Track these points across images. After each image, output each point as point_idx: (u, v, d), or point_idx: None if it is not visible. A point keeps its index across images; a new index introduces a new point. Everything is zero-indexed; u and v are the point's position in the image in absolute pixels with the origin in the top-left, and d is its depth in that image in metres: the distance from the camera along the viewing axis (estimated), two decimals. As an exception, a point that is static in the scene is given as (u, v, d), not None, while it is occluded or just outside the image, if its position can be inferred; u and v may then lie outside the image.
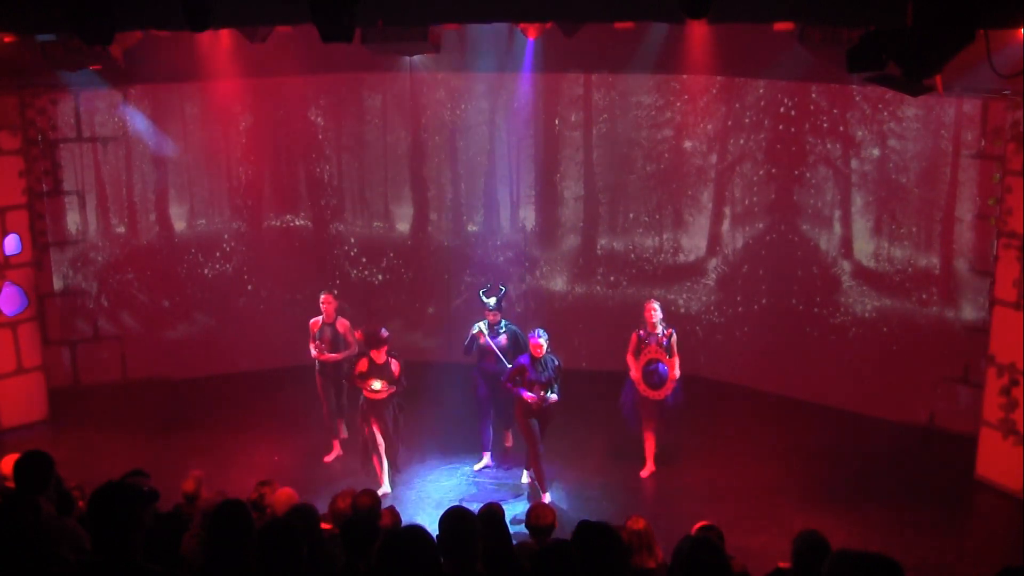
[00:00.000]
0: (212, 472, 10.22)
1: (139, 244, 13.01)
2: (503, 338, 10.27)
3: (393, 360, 9.79)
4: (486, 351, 10.27)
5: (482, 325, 10.29)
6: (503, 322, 10.37)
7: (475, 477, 10.44)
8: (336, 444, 10.89)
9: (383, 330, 9.80)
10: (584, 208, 13.34)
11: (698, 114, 12.68)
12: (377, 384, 9.70)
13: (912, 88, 7.17)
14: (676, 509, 9.60)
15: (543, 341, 9.59)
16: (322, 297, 10.60)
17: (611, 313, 13.36)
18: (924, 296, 11.55)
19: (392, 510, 6.91)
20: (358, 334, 10.11)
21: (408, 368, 10.19)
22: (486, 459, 10.58)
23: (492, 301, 10.21)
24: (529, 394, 9.60)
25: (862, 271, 12.00)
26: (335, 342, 10.54)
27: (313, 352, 10.56)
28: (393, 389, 9.79)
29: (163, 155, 12.84)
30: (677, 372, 10.18)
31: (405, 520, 6.91)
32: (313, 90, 13.22)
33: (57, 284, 12.59)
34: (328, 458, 10.78)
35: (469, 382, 10.69)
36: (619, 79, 12.82)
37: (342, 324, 10.58)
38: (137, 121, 12.66)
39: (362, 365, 9.77)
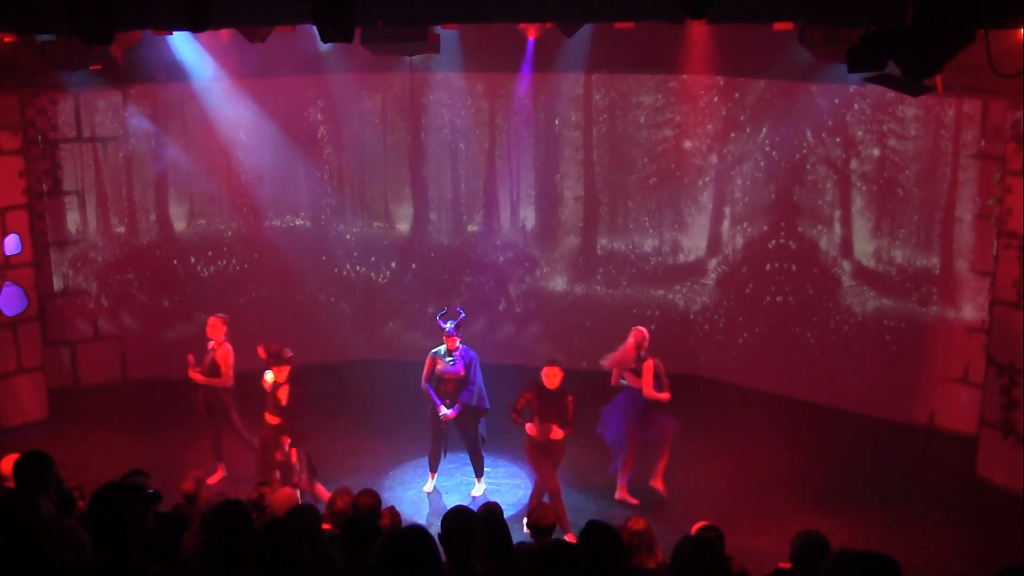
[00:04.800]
0: (212, 472, 10.27)
1: (139, 244, 13.01)
2: (459, 365, 9.76)
3: (287, 385, 9.35)
4: (443, 377, 9.82)
5: (439, 350, 9.90)
6: (461, 347, 9.85)
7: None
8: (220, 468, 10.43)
9: (287, 350, 9.40)
10: (584, 208, 13.34)
11: (698, 114, 12.68)
12: (269, 375, 9.32)
13: (912, 88, 7.16)
14: (676, 509, 9.60)
15: (558, 371, 9.19)
16: (209, 321, 10.17)
17: (611, 313, 13.36)
18: (924, 296, 11.55)
19: (392, 510, 6.91)
20: (260, 349, 9.52)
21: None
22: (432, 481, 10.22)
23: (450, 325, 9.80)
24: (530, 426, 9.20)
25: (862, 271, 12.00)
26: (211, 367, 10.09)
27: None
28: (277, 420, 9.36)
29: (165, 154, 12.85)
30: (658, 395, 9.69)
31: (405, 520, 6.91)
32: (313, 90, 13.22)
33: (57, 284, 12.58)
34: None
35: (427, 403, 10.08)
36: (619, 79, 12.82)
37: (222, 352, 10.08)
38: (138, 121, 12.67)
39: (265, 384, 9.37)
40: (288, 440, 9.37)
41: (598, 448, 11.06)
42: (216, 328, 10.12)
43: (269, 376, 9.37)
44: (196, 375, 10.14)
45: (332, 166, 13.63)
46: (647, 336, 9.83)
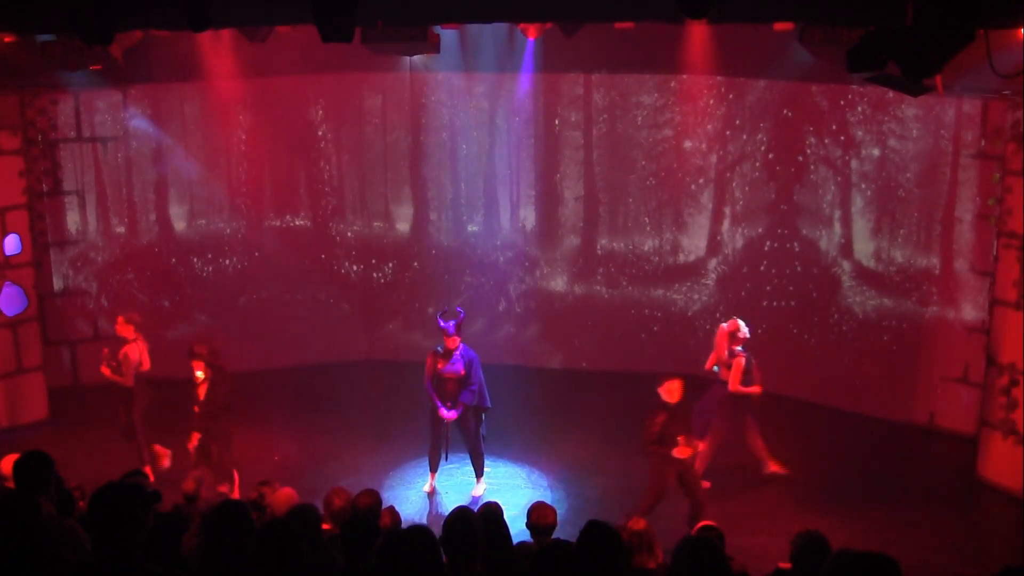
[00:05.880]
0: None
1: (139, 244, 13.01)
2: (459, 365, 9.74)
3: (206, 384, 9.65)
4: (443, 377, 9.80)
5: (439, 350, 9.89)
6: (461, 347, 9.82)
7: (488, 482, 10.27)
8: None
9: (201, 346, 9.79)
10: (584, 208, 13.33)
11: (698, 114, 12.68)
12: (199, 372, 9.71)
13: (912, 88, 7.16)
14: (676, 509, 9.59)
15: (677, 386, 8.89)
16: (117, 319, 10.37)
17: (611, 313, 13.36)
18: (924, 296, 11.55)
19: (392, 510, 6.90)
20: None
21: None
22: (432, 481, 10.20)
23: (450, 325, 9.74)
24: (679, 450, 8.81)
25: (862, 271, 11.99)
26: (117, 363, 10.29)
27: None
28: (196, 409, 9.69)
29: (165, 154, 12.86)
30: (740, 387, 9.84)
31: (405, 520, 6.91)
32: (313, 90, 13.22)
33: (57, 284, 12.59)
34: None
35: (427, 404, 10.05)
36: (619, 79, 12.82)
37: (123, 351, 10.19)
38: (138, 121, 12.69)
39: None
40: (197, 435, 9.63)
41: (598, 447, 11.09)
42: (123, 328, 10.25)
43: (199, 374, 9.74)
44: (105, 370, 10.32)
45: (332, 166, 13.63)
46: (741, 329, 9.94)
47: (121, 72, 11.59)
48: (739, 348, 9.88)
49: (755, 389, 9.92)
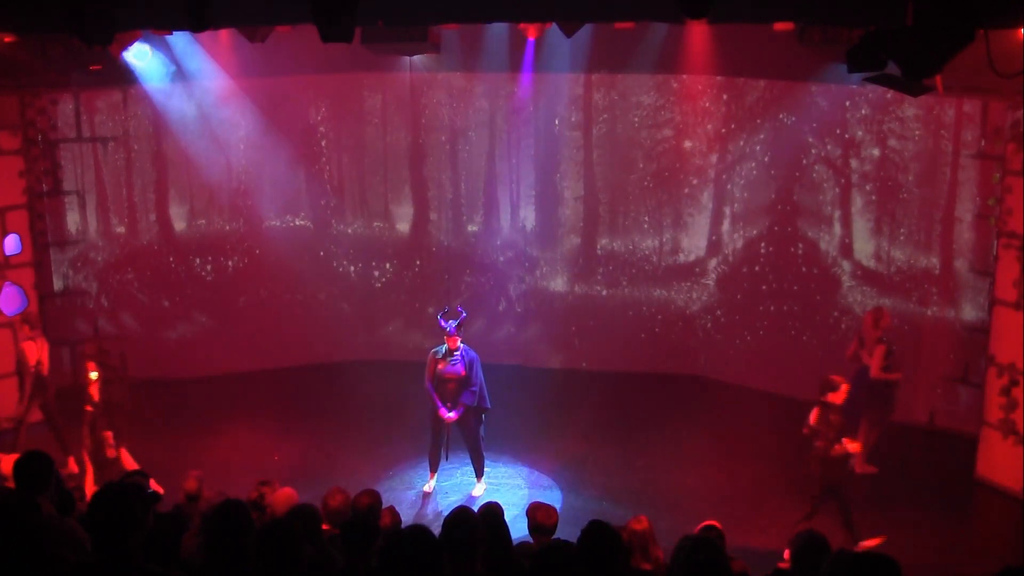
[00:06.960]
0: (212, 472, 10.23)
1: (139, 244, 13.02)
2: (460, 365, 9.77)
3: (97, 383, 9.97)
4: (444, 377, 9.81)
5: (440, 350, 9.91)
6: (462, 347, 9.87)
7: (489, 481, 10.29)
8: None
9: (89, 344, 10.21)
10: (584, 208, 13.33)
11: (698, 114, 12.68)
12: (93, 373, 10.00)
13: (912, 88, 7.16)
14: (676, 509, 9.60)
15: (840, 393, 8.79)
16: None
17: (611, 313, 13.36)
18: (924, 296, 11.55)
19: (392, 510, 6.90)
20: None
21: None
22: (432, 481, 10.20)
23: (451, 325, 9.75)
24: (852, 445, 8.89)
25: (862, 271, 12.00)
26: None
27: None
28: (89, 408, 9.98)
29: (163, 155, 12.87)
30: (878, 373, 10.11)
31: (405, 520, 6.90)
32: (313, 90, 13.22)
33: (57, 284, 12.60)
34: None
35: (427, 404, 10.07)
36: (619, 79, 12.82)
37: (22, 345, 10.48)
38: (138, 121, 12.70)
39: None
40: (111, 434, 9.93)
41: (598, 447, 11.09)
42: (19, 325, 10.56)
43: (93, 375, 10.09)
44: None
45: (332, 166, 13.64)
46: (886, 316, 10.30)
47: (121, 72, 11.59)
48: (881, 336, 10.14)
49: (897, 375, 10.18)
